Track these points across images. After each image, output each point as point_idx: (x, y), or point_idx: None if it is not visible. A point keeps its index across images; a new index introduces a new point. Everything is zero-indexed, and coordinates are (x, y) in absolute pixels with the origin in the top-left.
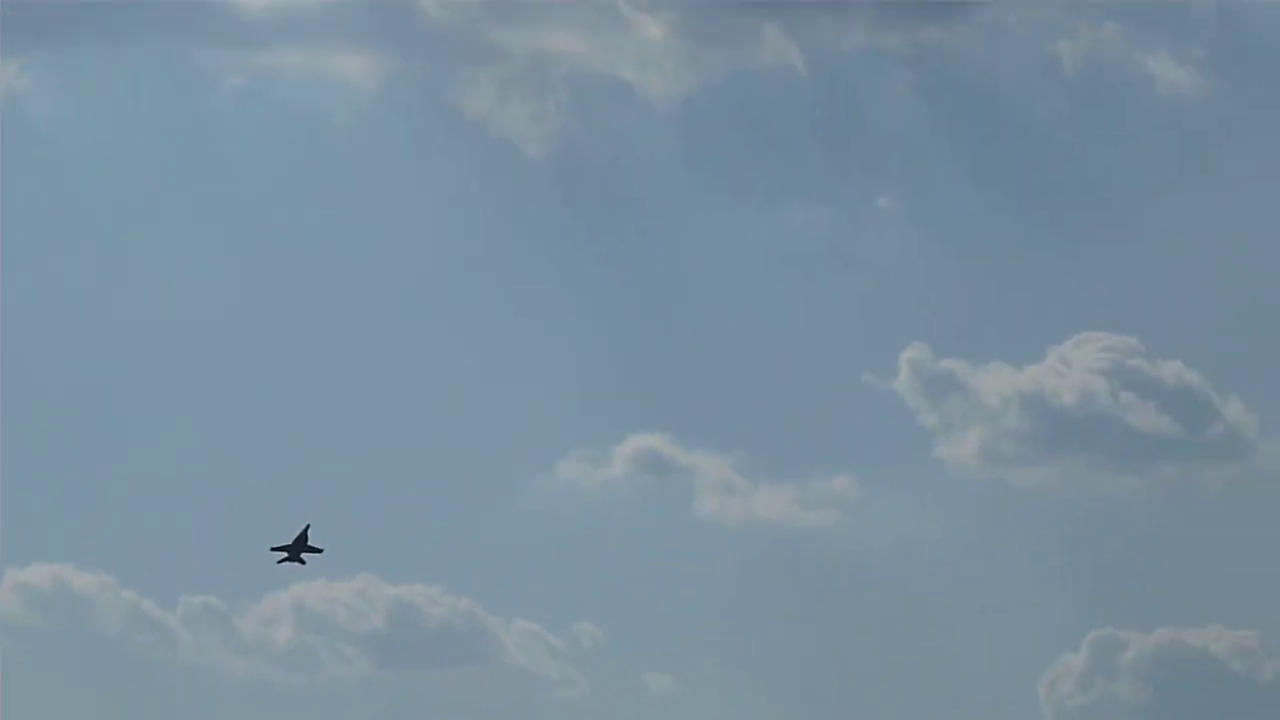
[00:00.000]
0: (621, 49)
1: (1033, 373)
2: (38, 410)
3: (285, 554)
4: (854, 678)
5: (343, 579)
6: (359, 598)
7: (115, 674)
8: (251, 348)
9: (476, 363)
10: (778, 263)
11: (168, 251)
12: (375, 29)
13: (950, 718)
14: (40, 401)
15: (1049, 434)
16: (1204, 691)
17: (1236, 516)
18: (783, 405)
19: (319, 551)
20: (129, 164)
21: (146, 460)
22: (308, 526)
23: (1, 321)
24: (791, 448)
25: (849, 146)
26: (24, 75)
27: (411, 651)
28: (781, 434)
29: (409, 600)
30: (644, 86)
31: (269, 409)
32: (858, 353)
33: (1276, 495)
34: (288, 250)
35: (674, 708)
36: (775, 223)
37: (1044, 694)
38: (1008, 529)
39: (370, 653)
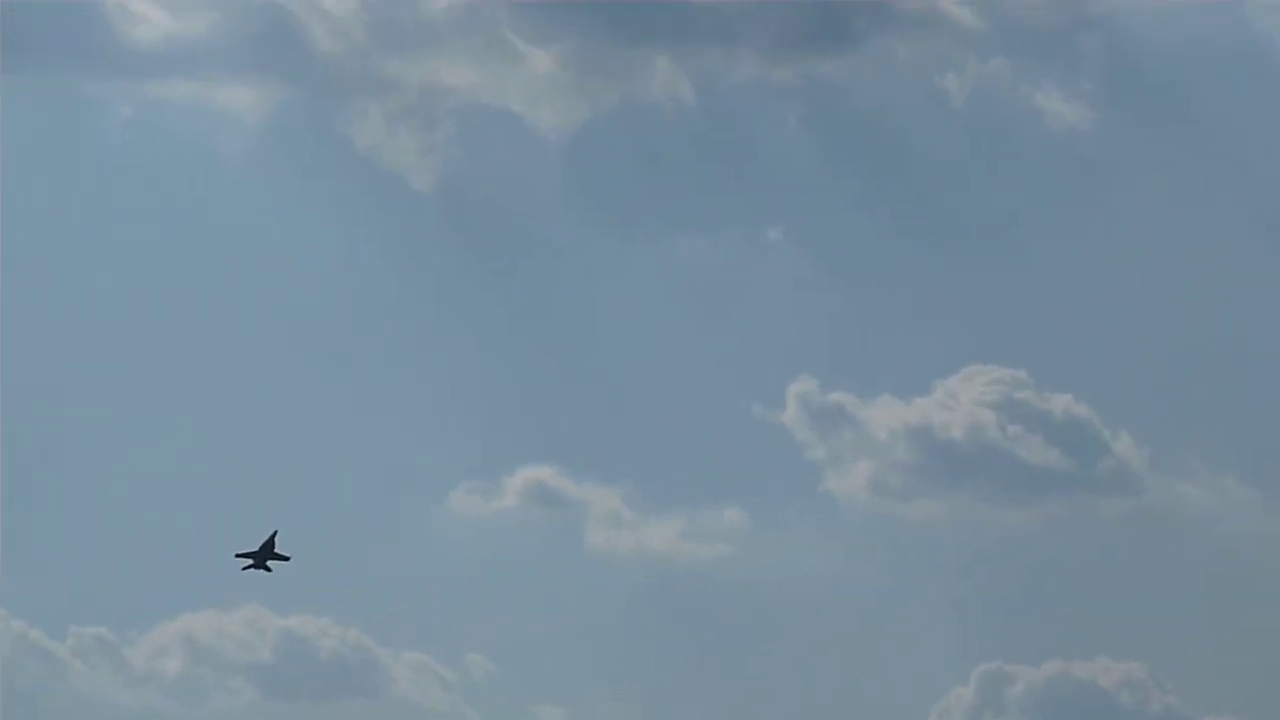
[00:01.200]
0: (511, 81)
1: (921, 406)
2: None
3: (250, 561)
4: (743, 711)
5: (231, 610)
6: (248, 629)
7: (5, 705)
8: (138, 378)
9: (365, 394)
10: (666, 294)
11: (55, 280)
12: (264, 60)
13: None
14: None
15: (938, 467)
16: None
17: (1126, 550)
18: (672, 437)
19: (285, 559)
20: (17, 194)
21: (34, 490)
22: (275, 534)
23: None
24: (681, 480)
25: (739, 179)
26: None
27: (301, 683)
28: (671, 466)
29: (298, 631)
30: (533, 118)
31: (155, 439)
32: (746, 385)
33: (1166, 530)
34: (175, 281)
35: None
36: (664, 255)
37: None
38: (897, 562)
39: (259, 684)
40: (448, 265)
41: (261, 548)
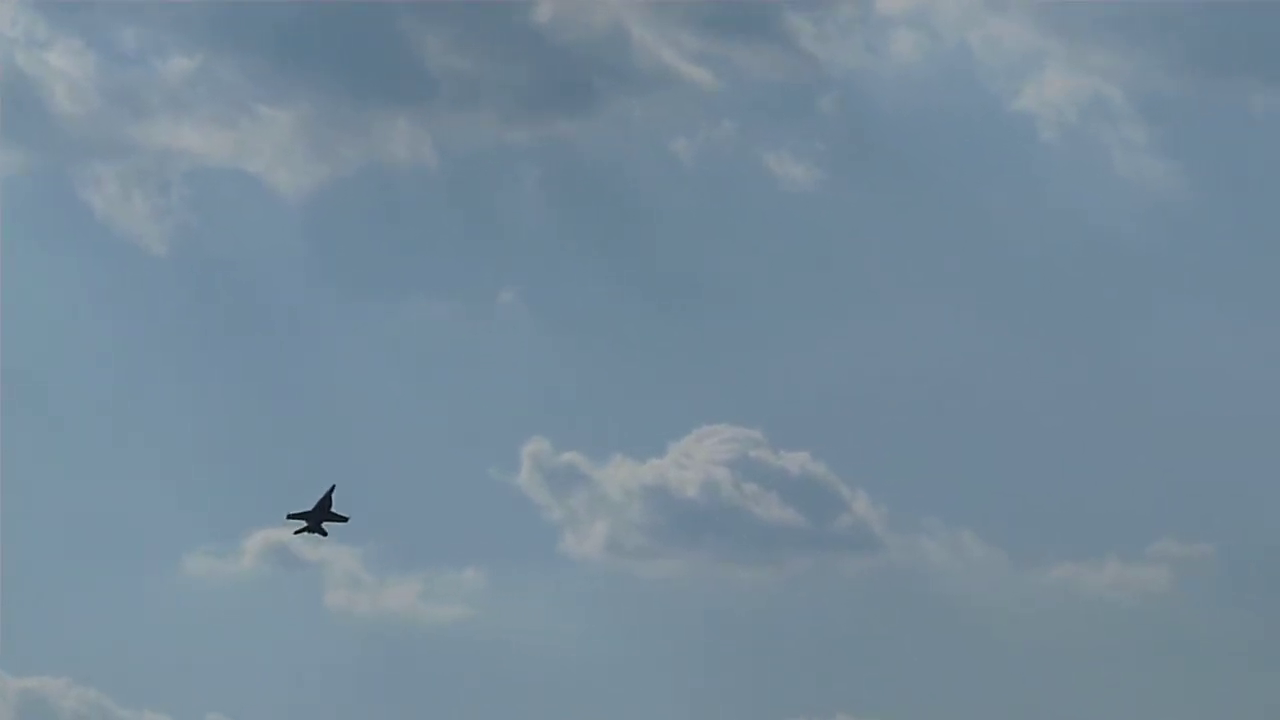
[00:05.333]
0: (249, 142)
1: (656, 465)
2: None
3: (304, 523)
4: None
5: None
6: None
7: None
8: None
9: (100, 456)
10: (402, 356)
11: None
12: (1, 123)
13: None
14: None
15: (674, 526)
16: None
17: (866, 608)
18: (410, 499)
19: (344, 520)
20: None
21: None
22: (333, 488)
23: None
24: (419, 541)
25: (475, 240)
26: None
27: None
28: (408, 528)
29: (38, 692)
30: (272, 180)
31: None
32: (482, 447)
33: (906, 587)
34: None
35: None
36: (400, 316)
37: None
38: (635, 621)
39: None
40: (184, 329)
41: (316, 507)
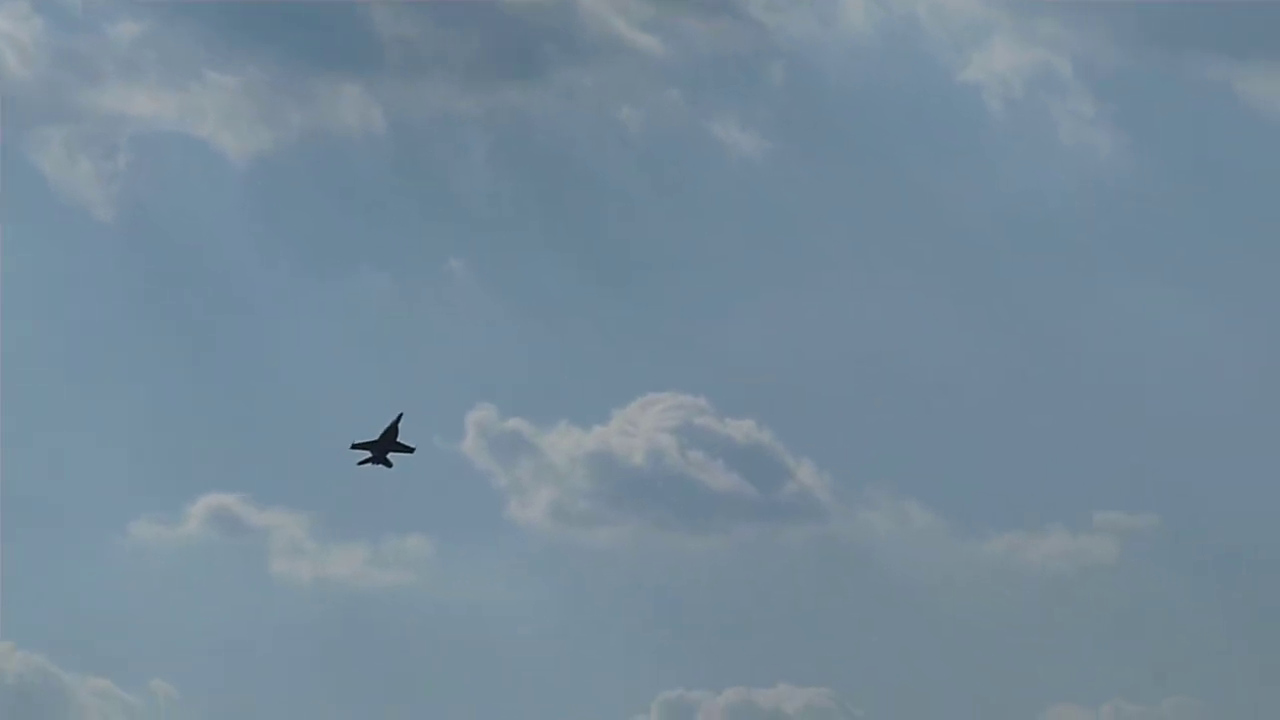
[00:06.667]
0: (197, 107)
1: (600, 433)
2: None
3: (368, 454)
4: None
5: None
6: None
7: None
8: None
9: (46, 422)
10: (349, 323)
11: None
12: None
13: None
14: None
15: (619, 493)
16: None
17: (809, 576)
18: (354, 466)
19: (410, 450)
20: None
21: None
22: (400, 417)
23: None
24: (364, 508)
25: (423, 209)
26: None
27: None
28: (353, 494)
29: None
30: (219, 144)
31: None
32: (427, 414)
33: (850, 556)
34: None
35: None
36: (345, 283)
37: None
38: (580, 589)
39: None
40: (130, 295)
41: (383, 436)
